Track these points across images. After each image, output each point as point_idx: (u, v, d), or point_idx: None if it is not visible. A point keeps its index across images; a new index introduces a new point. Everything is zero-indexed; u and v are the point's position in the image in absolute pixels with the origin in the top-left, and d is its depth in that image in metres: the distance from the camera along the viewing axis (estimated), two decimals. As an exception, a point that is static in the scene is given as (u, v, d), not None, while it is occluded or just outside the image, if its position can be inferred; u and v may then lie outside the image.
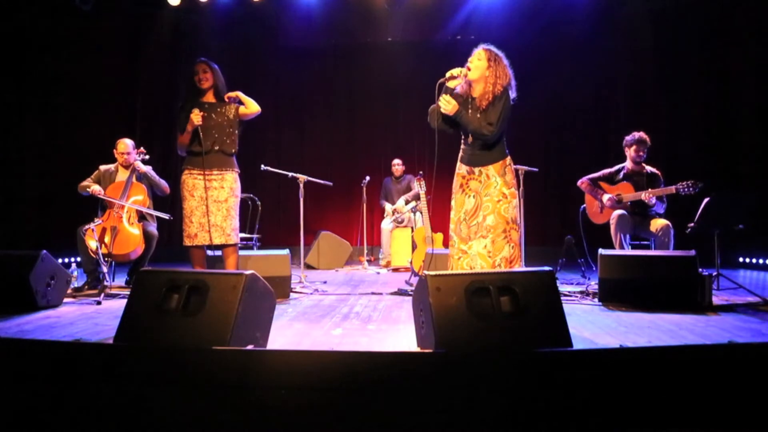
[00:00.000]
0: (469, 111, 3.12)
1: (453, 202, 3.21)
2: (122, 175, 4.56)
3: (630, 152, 4.43)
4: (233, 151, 3.70)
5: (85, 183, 4.51)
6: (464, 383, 1.67)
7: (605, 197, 4.40)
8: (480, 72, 3.09)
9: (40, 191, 6.45)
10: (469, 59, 3.14)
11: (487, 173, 3.14)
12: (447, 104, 3.06)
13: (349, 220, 7.47)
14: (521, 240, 4.29)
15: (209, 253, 3.86)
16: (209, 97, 3.70)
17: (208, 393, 1.68)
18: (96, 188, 4.41)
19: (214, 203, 3.60)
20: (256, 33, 7.47)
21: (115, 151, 4.62)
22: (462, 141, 3.26)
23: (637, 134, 4.41)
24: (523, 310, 2.02)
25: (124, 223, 4.28)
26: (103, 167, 4.65)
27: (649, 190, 4.22)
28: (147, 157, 4.64)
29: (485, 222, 3.08)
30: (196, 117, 3.54)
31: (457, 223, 3.15)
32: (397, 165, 6.80)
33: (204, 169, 3.60)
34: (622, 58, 6.96)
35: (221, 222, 3.60)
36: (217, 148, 3.63)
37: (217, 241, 3.59)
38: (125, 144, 4.62)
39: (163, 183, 4.66)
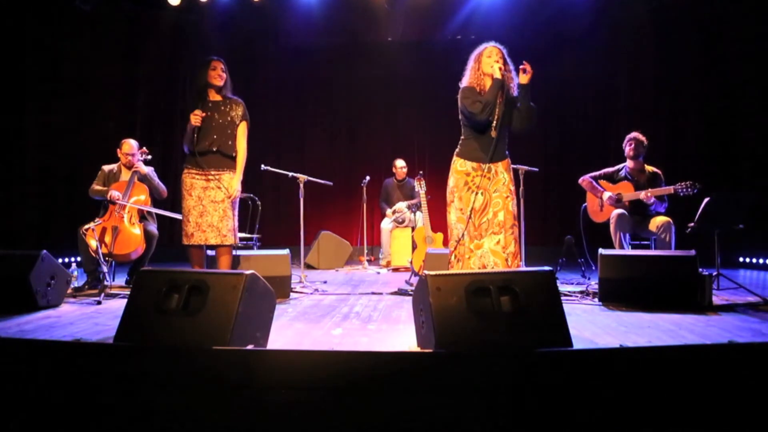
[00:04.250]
0: (496, 107, 3.14)
1: (456, 201, 3.19)
2: (125, 175, 4.56)
3: (626, 150, 4.48)
4: (233, 154, 3.69)
5: (98, 187, 4.49)
6: (464, 383, 1.67)
7: (605, 195, 4.41)
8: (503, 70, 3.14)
9: (40, 191, 6.45)
10: (486, 56, 3.15)
11: (497, 170, 3.16)
12: (530, 72, 3.07)
13: (349, 220, 7.46)
14: (521, 239, 4.30)
15: (208, 253, 3.86)
16: (215, 96, 3.70)
17: (208, 393, 1.68)
18: (115, 194, 4.33)
19: (211, 203, 3.60)
20: (256, 33, 7.47)
21: (119, 150, 4.62)
22: (466, 136, 3.25)
23: (634, 134, 4.47)
24: (523, 310, 2.02)
25: (126, 222, 4.28)
26: (106, 167, 4.64)
27: (649, 189, 4.23)
28: (149, 157, 4.64)
29: (496, 218, 3.09)
30: (195, 118, 3.54)
31: (465, 222, 3.15)
32: (402, 168, 6.72)
33: (201, 169, 3.61)
34: (622, 58, 6.96)
35: (217, 222, 3.59)
36: (215, 149, 3.62)
37: (212, 242, 3.59)
38: (130, 145, 4.61)
39: (162, 187, 4.66)
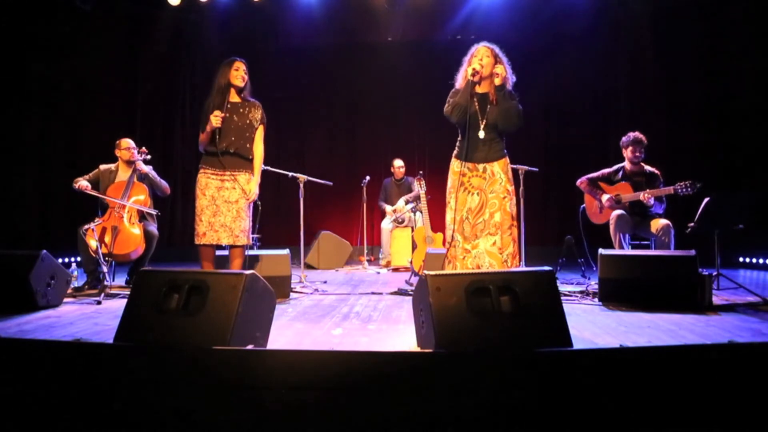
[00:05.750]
0: (487, 107, 3.14)
1: (452, 201, 3.19)
2: (123, 175, 4.57)
3: (627, 153, 4.43)
4: (250, 156, 3.69)
5: (77, 179, 4.45)
6: (464, 383, 1.67)
7: (604, 197, 4.41)
8: (489, 69, 3.12)
9: (40, 191, 6.46)
10: (474, 56, 3.16)
11: (493, 170, 3.15)
12: (504, 71, 3.07)
13: (349, 220, 7.47)
14: (521, 238, 4.30)
15: (217, 252, 3.85)
16: (234, 97, 3.70)
17: (208, 393, 1.68)
18: (83, 183, 4.34)
19: (225, 203, 3.60)
20: (256, 33, 7.47)
21: (117, 150, 4.62)
22: (461, 137, 3.25)
23: (632, 134, 4.41)
24: (523, 310, 2.02)
25: (125, 222, 4.28)
26: (103, 167, 4.65)
27: (647, 191, 4.22)
28: (149, 157, 4.65)
29: (493, 219, 3.08)
30: (215, 119, 3.53)
31: (460, 223, 3.14)
32: (399, 167, 6.75)
33: (216, 169, 3.61)
34: (622, 58, 6.97)
35: (230, 223, 3.59)
36: (233, 150, 3.62)
37: (225, 242, 3.60)
38: (128, 141, 4.65)
39: (164, 183, 4.67)
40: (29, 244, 5.70)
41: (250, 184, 3.66)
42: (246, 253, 3.78)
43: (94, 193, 4.35)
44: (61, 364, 1.81)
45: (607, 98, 7.13)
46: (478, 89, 3.17)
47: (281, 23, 7.32)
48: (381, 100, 7.66)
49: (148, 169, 4.56)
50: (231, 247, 3.67)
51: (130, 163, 4.56)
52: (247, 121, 3.68)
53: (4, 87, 6.08)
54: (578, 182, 4.63)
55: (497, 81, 3.09)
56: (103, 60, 6.84)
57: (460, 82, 3.26)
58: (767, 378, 1.68)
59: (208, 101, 3.67)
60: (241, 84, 3.65)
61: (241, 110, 3.67)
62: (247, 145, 3.68)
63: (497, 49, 3.19)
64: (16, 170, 6.27)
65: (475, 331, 1.98)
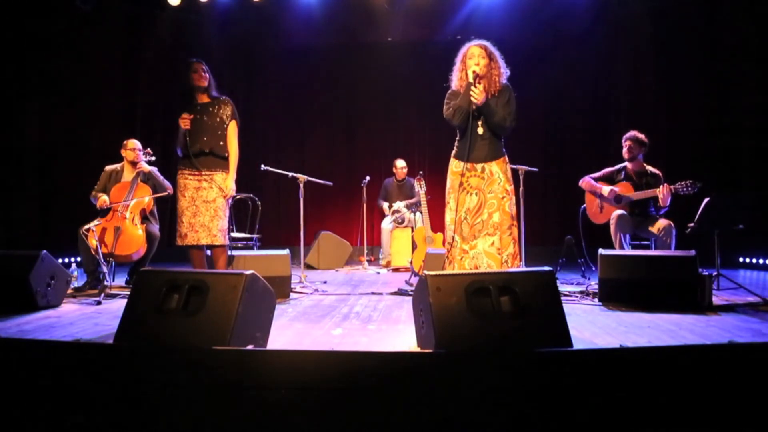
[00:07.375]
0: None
1: (451, 202, 3.19)
2: (128, 175, 4.58)
3: (622, 151, 4.44)
4: (225, 154, 3.71)
5: (96, 198, 4.49)
6: (464, 383, 1.67)
7: (605, 189, 4.39)
8: (485, 68, 3.11)
9: (40, 191, 6.46)
10: (468, 58, 3.15)
11: (491, 169, 3.14)
12: (480, 94, 3.03)
13: (349, 220, 7.47)
14: (521, 238, 4.30)
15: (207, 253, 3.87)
16: (203, 98, 3.72)
17: (208, 393, 1.68)
18: (105, 199, 4.39)
19: (203, 203, 3.63)
20: (256, 33, 7.47)
21: (123, 150, 4.63)
22: (459, 137, 3.25)
23: (630, 133, 4.43)
24: (523, 310, 2.02)
25: (128, 223, 4.28)
26: (108, 167, 4.66)
27: (665, 185, 4.16)
28: (153, 158, 4.67)
29: (491, 219, 3.07)
30: (183, 122, 3.60)
31: (458, 223, 3.14)
32: (402, 168, 6.73)
33: (193, 170, 3.63)
34: (622, 57, 6.96)
35: (208, 222, 3.62)
36: (207, 150, 3.66)
37: (204, 241, 3.62)
38: (134, 142, 4.66)
39: (167, 183, 4.68)
40: (29, 244, 5.70)
41: (226, 181, 3.70)
42: (229, 253, 3.81)
43: (112, 204, 4.35)
44: (61, 364, 1.81)
45: (607, 98, 7.13)
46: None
47: (281, 23, 7.31)
48: (381, 100, 7.66)
49: (151, 169, 4.58)
50: (211, 247, 3.69)
51: (134, 163, 4.58)
52: (218, 120, 3.71)
53: (4, 87, 6.08)
54: (580, 182, 4.63)
55: (477, 102, 3.05)
56: (103, 60, 6.84)
57: (455, 83, 3.25)
58: (767, 378, 1.67)
59: (180, 106, 3.73)
60: (203, 83, 3.70)
61: (211, 109, 3.71)
62: (221, 143, 3.70)
63: (490, 46, 3.18)
64: (16, 170, 6.26)
65: (475, 331, 1.98)
